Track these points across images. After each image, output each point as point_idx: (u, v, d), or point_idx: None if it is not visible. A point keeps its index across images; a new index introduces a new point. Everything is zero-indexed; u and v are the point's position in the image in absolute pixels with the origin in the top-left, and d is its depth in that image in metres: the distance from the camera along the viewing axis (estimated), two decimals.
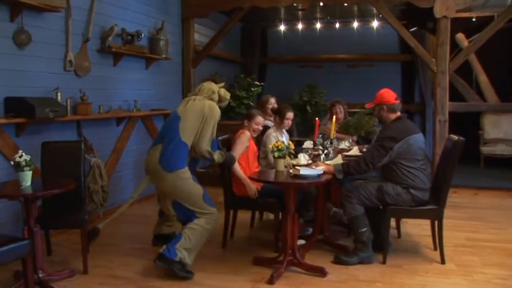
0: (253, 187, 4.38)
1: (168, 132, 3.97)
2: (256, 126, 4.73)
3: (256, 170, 4.59)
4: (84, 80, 5.30)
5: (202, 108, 3.95)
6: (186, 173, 3.90)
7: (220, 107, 4.14)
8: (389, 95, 4.22)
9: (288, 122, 5.04)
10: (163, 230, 4.54)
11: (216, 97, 4.12)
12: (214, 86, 4.16)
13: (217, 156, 4.04)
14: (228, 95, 4.25)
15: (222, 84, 4.28)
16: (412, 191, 4.03)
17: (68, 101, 4.92)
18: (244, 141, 4.55)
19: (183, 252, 3.78)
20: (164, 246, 3.80)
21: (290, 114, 5.05)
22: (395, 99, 4.21)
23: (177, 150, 3.87)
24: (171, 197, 3.98)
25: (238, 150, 4.49)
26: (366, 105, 4.42)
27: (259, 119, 4.73)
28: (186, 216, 3.94)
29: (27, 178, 3.48)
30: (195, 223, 3.87)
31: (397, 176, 4.06)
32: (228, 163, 4.30)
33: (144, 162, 4.07)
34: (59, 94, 4.81)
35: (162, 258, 3.75)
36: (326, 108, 7.32)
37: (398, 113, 4.21)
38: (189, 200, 3.90)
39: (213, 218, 3.94)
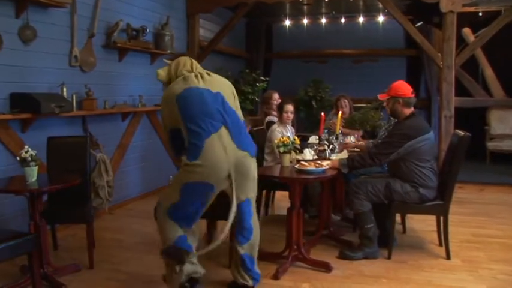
0: None
1: (223, 110, 3.18)
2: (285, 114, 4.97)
3: None
4: (89, 75, 5.31)
5: (228, 82, 3.42)
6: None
7: None
8: (406, 88, 4.12)
9: (286, 116, 5.02)
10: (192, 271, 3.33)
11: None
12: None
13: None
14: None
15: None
16: (420, 189, 4.01)
17: (74, 96, 4.93)
18: None
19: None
20: (246, 277, 3.38)
21: (288, 107, 5.04)
22: (412, 93, 4.13)
23: (244, 129, 3.30)
24: (250, 191, 3.30)
25: None
26: (380, 96, 4.26)
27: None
28: (251, 217, 3.36)
29: (33, 173, 3.49)
30: (256, 227, 3.38)
31: (406, 174, 4.03)
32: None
33: (206, 159, 3.05)
34: (65, 89, 4.82)
35: None
36: (331, 103, 7.30)
37: (412, 109, 4.15)
38: (256, 186, 3.38)
39: None
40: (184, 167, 3.12)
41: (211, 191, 3.12)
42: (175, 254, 3.20)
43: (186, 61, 3.40)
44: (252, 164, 3.22)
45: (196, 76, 3.27)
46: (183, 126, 3.14)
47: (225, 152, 3.07)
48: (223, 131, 3.10)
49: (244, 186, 3.22)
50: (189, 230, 3.28)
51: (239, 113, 3.33)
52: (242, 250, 3.34)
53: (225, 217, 3.14)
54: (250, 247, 3.36)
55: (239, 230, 3.33)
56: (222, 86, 3.30)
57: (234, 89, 3.39)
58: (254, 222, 3.36)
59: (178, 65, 3.38)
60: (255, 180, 3.29)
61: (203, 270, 3.37)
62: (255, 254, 3.41)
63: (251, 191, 3.29)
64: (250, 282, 3.38)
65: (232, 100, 3.31)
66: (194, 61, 3.44)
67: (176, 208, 3.18)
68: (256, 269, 3.42)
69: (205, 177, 3.06)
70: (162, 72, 3.43)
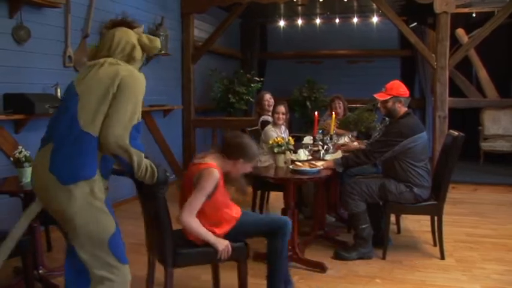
0: (222, 244, 2.98)
1: (59, 120, 2.37)
2: (276, 115, 4.96)
3: (233, 211, 3.15)
4: None
5: (114, 75, 2.33)
6: (96, 185, 2.35)
7: (150, 57, 2.78)
8: (404, 88, 4.15)
9: (277, 116, 5.03)
10: None
11: (138, 54, 2.51)
12: (132, 35, 2.52)
13: (137, 157, 2.36)
14: (156, 42, 2.57)
15: (141, 28, 2.64)
16: (415, 189, 4.02)
17: None
18: (211, 182, 2.93)
19: None
20: None
21: (279, 108, 5.05)
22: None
23: (78, 147, 2.28)
24: (63, 226, 2.44)
25: (199, 198, 2.91)
26: (378, 97, 4.16)
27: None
28: (73, 275, 2.50)
29: (27, 174, 3.48)
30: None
31: (401, 173, 4.04)
32: (159, 185, 2.61)
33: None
34: (59, 90, 4.80)
35: None
36: (326, 104, 7.32)
37: (407, 108, 4.17)
38: (89, 240, 2.35)
39: (117, 283, 2.48)
40: None
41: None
42: None
43: (107, 37, 2.53)
44: (58, 194, 2.28)
45: (91, 67, 2.43)
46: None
47: (34, 171, 2.44)
48: (48, 147, 2.35)
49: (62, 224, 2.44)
50: None
51: (118, 112, 2.31)
52: None
53: None
54: None
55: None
56: (90, 83, 2.36)
57: (123, 82, 2.33)
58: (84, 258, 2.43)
59: (102, 42, 2.57)
60: (72, 216, 2.32)
61: None
62: None
63: (64, 227, 2.43)
64: None
65: (98, 99, 2.31)
66: (118, 37, 2.49)
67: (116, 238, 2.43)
68: None
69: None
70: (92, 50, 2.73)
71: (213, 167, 2.98)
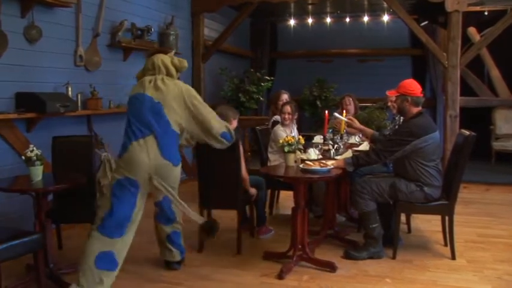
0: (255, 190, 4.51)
1: (154, 121, 3.45)
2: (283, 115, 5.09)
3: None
4: (94, 75, 5.32)
5: (180, 91, 3.54)
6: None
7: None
8: (415, 86, 4.10)
9: (284, 116, 5.06)
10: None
11: (173, 71, 3.65)
12: (166, 58, 3.65)
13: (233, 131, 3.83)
14: (184, 63, 3.73)
15: (172, 52, 3.83)
16: (425, 189, 3.99)
17: (79, 96, 4.95)
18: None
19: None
20: (175, 251, 3.89)
21: (285, 108, 5.09)
22: (421, 92, 4.11)
23: (174, 140, 3.52)
24: (169, 192, 3.59)
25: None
26: (388, 93, 4.26)
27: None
28: (170, 207, 3.79)
29: (38, 173, 3.50)
30: (176, 211, 3.82)
31: (411, 173, 4.01)
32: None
33: (130, 159, 3.40)
34: (70, 89, 4.84)
35: (181, 262, 3.97)
36: (336, 103, 7.30)
37: (420, 108, 4.12)
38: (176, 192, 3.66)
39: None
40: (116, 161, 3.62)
41: (136, 188, 3.39)
42: None
43: (149, 61, 3.65)
44: (173, 173, 3.50)
45: (150, 81, 3.53)
46: (126, 124, 3.56)
47: (148, 157, 3.36)
48: (151, 139, 3.40)
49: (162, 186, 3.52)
50: (118, 244, 3.38)
51: (207, 112, 3.61)
52: (168, 229, 3.84)
53: None
54: (173, 227, 3.86)
55: (162, 217, 3.85)
56: (167, 97, 3.48)
57: (189, 94, 3.57)
58: (174, 208, 3.75)
59: (146, 64, 3.68)
60: (174, 185, 3.58)
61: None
62: (179, 229, 3.90)
63: (170, 192, 3.56)
64: (177, 257, 3.89)
65: (177, 109, 3.50)
66: (159, 60, 3.61)
67: (108, 216, 3.34)
68: (182, 243, 3.92)
69: (128, 172, 3.37)
70: (140, 71, 3.76)
71: None
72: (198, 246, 4.34)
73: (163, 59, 3.61)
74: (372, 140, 4.68)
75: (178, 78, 3.72)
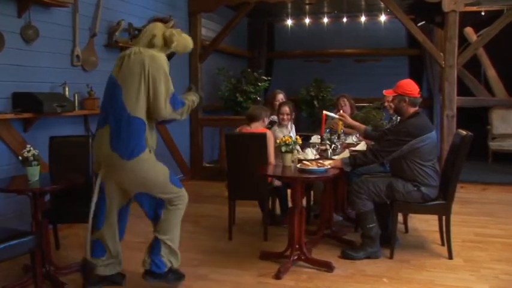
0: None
1: (111, 107, 3.12)
2: (281, 116, 5.17)
3: None
4: (91, 74, 5.32)
5: (140, 65, 3.07)
6: (146, 153, 3.18)
7: (172, 54, 3.38)
8: (413, 87, 4.10)
9: (282, 117, 5.12)
10: (100, 271, 3.43)
11: (158, 41, 3.20)
12: (158, 28, 3.23)
13: (186, 109, 3.33)
14: (173, 37, 3.24)
15: (171, 23, 3.34)
16: (422, 188, 4.00)
17: (76, 96, 4.94)
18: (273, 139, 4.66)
19: (169, 258, 3.41)
20: (147, 260, 3.39)
21: (283, 109, 5.13)
22: (418, 93, 4.11)
23: (131, 129, 3.09)
24: (133, 189, 3.28)
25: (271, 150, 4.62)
26: (386, 92, 4.26)
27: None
28: (153, 208, 3.36)
29: (35, 173, 3.50)
30: (165, 219, 3.35)
31: (408, 173, 4.02)
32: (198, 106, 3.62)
33: (92, 150, 3.39)
34: (67, 89, 4.83)
35: (152, 275, 3.39)
36: (333, 103, 7.30)
37: (417, 108, 4.13)
38: (156, 186, 3.25)
39: (183, 201, 3.41)
40: None
41: (99, 181, 3.26)
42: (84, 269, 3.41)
43: (145, 29, 3.32)
44: (125, 166, 3.12)
45: (123, 57, 3.18)
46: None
47: (99, 149, 3.20)
48: (106, 128, 3.15)
49: (124, 186, 3.28)
50: (101, 235, 3.38)
51: (158, 92, 3.11)
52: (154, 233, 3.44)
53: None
54: (166, 239, 3.39)
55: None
56: (126, 75, 3.09)
57: (151, 67, 3.09)
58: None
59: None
60: (130, 180, 3.22)
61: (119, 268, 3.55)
62: (168, 249, 3.41)
63: (135, 188, 3.27)
64: (146, 266, 3.41)
65: (137, 87, 3.08)
66: (150, 27, 3.27)
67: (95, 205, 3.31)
68: (162, 259, 3.39)
69: (95, 167, 3.33)
70: None
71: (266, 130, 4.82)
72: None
73: (155, 28, 3.23)
74: (365, 136, 4.69)
75: (170, 56, 3.35)
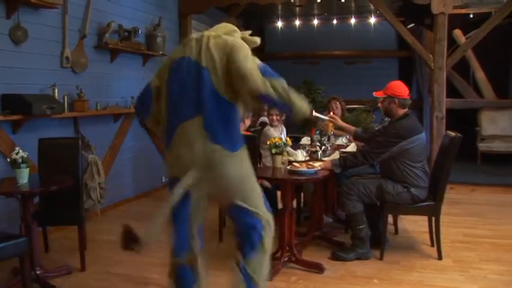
0: None
1: (198, 94, 2.52)
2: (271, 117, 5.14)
3: None
4: (81, 76, 5.29)
5: (225, 43, 2.59)
6: (245, 150, 2.63)
7: None
8: (402, 88, 4.13)
9: (272, 118, 5.14)
10: None
11: (238, 35, 2.76)
12: (233, 27, 2.80)
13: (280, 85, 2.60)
14: (256, 40, 2.90)
15: (248, 32, 2.92)
16: (412, 190, 4.02)
17: (65, 97, 4.91)
18: None
19: None
20: None
21: (273, 109, 5.11)
22: (408, 94, 4.14)
23: (231, 116, 2.55)
24: (232, 196, 2.59)
25: None
26: (375, 93, 4.25)
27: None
28: (246, 228, 2.63)
29: (24, 175, 3.47)
30: (262, 244, 2.64)
31: (398, 174, 4.04)
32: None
33: (172, 151, 2.60)
34: (56, 91, 4.80)
35: None
36: (324, 105, 7.33)
37: (406, 109, 4.15)
38: (253, 196, 2.63)
39: (272, 228, 2.70)
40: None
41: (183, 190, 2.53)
42: None
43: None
44: (228, 161, 2.52)
45: (197, 40, 2.64)
46: (164, 99, 2.68)
47: (188, 146, 2.51)
48: (196, 119, 2.51)
49: (219, 188, 2.60)
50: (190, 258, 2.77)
51: (251, 64, 2.60)
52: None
53: None
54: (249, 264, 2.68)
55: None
56: (214, 55, 2.55)
57: (235, 45, 2.61)
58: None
59: None
60: (234, 180, 2.56)
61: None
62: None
63: (233, 195, 2.59)
64: None
65: (226, 67, 2.54)
66: (221, 24, 2.79)
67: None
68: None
69: (176, 171, 2.59)
70: None
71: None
72: None
73: (231, 26, 2.80)
74: (355, 137, 4.71)
75: None
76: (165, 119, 2.65)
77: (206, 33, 2.65)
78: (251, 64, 2.57)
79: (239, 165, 2.55)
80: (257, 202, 2.62)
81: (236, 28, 2.78)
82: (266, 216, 2.63)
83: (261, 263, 2.67)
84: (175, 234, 2.72)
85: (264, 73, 2.57)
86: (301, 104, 2.61)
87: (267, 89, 2.51)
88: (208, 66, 2.52)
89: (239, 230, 2.67)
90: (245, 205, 2.57)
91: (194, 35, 2.70)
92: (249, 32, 2.89)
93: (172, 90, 2.62)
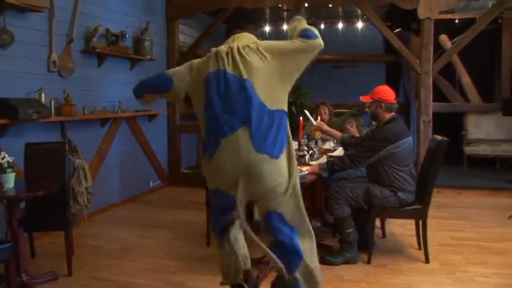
0: None
1: (244, 107, 2.58)
2: None
3: None
4: (68, 80, 5.26)
5: (257, 49, 2.72)
6: (291, 151, 2.71)
7: None
8: (389, 93, 4.17)
9: None
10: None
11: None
12: (254, 37, 2.95)
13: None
14: None
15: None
16: (399, 193, 4.05)
17: (52, 102, 4.88)
18: None
19: None
20: None
21: None
22: (394, 98, 4.18)
23: (278, 124, 2.63)
24: (270, 204, 2.68)
25: None
26: (362, 98, 4.26)
27: None
28: (286, 241, 2.73)
29: (9, 180, 3.44)
30: (308, 261, 2.78)
31: (385, 178, 4.06)
32: None
33: (214, 163, 2.64)
34: (43, 95, 4.77)
35: None
36: (311, 110, 7.35)
37: (393, 113, 4.19)
38: (295, 204, 2.74)
39: (314, 240, 2.86)
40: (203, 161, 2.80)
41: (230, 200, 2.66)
42: None
43: (237, 35, 2.92)
44: (271, 168, 2.57)
45: (227, 53, 2.72)
46: (201, 110, 2.72)
47: (236, 158, 2.56)
48: (242, 130, 2.56)
49: (261, 196, 2.66)
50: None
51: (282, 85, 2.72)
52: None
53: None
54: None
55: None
56: (252, 69, 2.63)
57: (267, 48, 2.75)
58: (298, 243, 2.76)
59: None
60: (275, 188, 2.62)
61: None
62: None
63: (276, 203, 2.67)
64: None
65: (265, 79, 2.64)
66: (244, 33, 2.93)
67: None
68: None
69: (220, 184, 2.68)
70: None
71: None
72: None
73: (253, 37, 2.93)
74: (342, 143, 4.73)
75: None
76: (204, 131, 2.70)
77: (234, 45, 2.74)
78: (284, 43, 2.80)
79: (280, 170, 2.61)
80: (299, 208, 2.74)
81: (256, 39, 2.90)
82: (306, 226, 2.78)
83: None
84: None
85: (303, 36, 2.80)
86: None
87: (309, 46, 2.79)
88: (250, 78, 2.60)
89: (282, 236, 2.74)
90: (287, 214, 2.70)
91: (220, 47, 2.78)
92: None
93: (212, 104, 2.65)
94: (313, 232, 2.84)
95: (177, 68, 2.96)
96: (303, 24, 2.96)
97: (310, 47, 2.78)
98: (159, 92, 2.92)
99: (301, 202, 2.74)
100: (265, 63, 2.65)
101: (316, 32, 2.84)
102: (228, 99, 2.61)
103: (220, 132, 2.59)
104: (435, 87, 7.20)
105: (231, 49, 2.71)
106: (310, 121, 4.85)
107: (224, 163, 2.58)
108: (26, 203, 4.09)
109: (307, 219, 2.80)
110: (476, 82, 8.85)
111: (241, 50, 2.68)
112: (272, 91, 2.65)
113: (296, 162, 2.72)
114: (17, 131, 4.55)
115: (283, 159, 2.61)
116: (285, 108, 2.71)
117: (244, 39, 2.82)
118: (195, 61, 2.87)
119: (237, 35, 2.89)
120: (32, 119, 4.42)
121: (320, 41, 2.81)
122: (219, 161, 2.60)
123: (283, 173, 2.62)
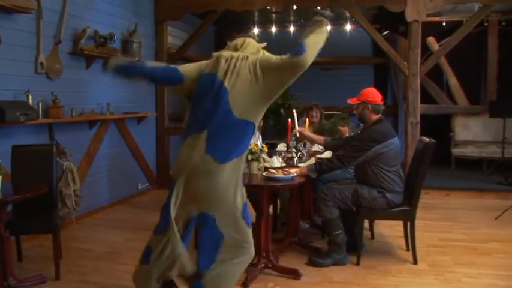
0: None
1: (212, 110, 2.71)
2: None
3: None
4: (56, 82, 5.23)
5: (253, 64, 2.78)
6: (242, 161, 2.78)
7: None
8: (375, 95, 4.21)
9: None
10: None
11: (261, 53, 3.00)
12: (257, 44, 3.04)
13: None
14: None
15: (263, 44, 3.15)
16: (387, 195, 4.07)
17: (40, 104, 4.85)
18: None
19: None
20: None
21: None
22: (381, 100, 4.21)
23: (239, 134, 2.72)
24: (203, 206, 2.73)
25: None
26: (349, 101, 4.31)
27: None
28: (209, 246, 2.79)
29: None
30: (219, 271, 2.77)
31: (373, 179, 4.08)
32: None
33: (178, 157, 2.77)
34: (30, 97, 4.73)
35: None
36: (301, 111, 7.36)
37: (380, 115, 4.22)
38: (229, 216, 2.75)
39: (248, 253, 2.85)
40: None
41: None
42: None
43: (240, 41, 2.97)
44: (216, 172, 2.64)
45: (226, 60, 2.80)
46: (189, 103, 2.87)
47: (189, 154, 2.70)
48: (203, 134, 2.69)
49: (198, 197, 2.72)
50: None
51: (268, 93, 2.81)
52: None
53: None
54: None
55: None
56: (237, 80, 2.73)
57: (262, 59, 2.85)
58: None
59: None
60: (224, 193, 2.69)
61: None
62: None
63: (209, 206, 2.71)
64: None
65: (248, 89, 2.73)
66: (248, 40, 2.99)
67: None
68: None
69: (174, 172, 2.78)
70: None
71: None
72: None
73: (255, 44, 3.02)
74: (325, 146, 4.75)
75: None
76: (185, 123, 2.87)
77: (235, 54, 2.82)
78: (276, 58, 2.86)
79: (223, 176, 2.66)
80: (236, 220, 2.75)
81: (260, 47, 3.01)
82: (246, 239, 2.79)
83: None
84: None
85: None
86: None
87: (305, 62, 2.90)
88: (229, 87, 2.71)
89: (202, 240, 2.80)
90: (214, 212, 2.71)
91: (225, 53, 2.86)
92: (264, 44, 3.15)
93: (196, 103, 2.81)
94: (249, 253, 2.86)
95: (188, 68, 2.95)
96: (314, 30, 3.17)
97: (294, 64, 2.87)
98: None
99: (241, 223, 2.76)
100: (253, 79, 2.74)
101: (315, 43, 3.11)
102: (206, 102, 2.75)
103: (193, 129, 2.76)
104: (423, 89, 7.26)
105: (232, 57, 2.80)
106: (295, 124, 4.86)
107: (181, 156, 2.75)
108: (13, 205, 4.05)
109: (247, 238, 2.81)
110: (464, 84, 8.94)
111: (238, 60, 2.78)
112: (249, 104, 2.75)
113: (244, 189, 2.82)
114: (4, 134, 4.51)
115: (229, 166, 2.67)
116: (255, 122, 2.79)
117: (248, 47, 2.92)
118: (204, 62, 2.95)
119: (240, 41, 2.95)
120: (19, 121, 4.38)
121: (303, 60, 2.88)
122: (180, 155, 2.77)
123: (224, 178, 2.66)
